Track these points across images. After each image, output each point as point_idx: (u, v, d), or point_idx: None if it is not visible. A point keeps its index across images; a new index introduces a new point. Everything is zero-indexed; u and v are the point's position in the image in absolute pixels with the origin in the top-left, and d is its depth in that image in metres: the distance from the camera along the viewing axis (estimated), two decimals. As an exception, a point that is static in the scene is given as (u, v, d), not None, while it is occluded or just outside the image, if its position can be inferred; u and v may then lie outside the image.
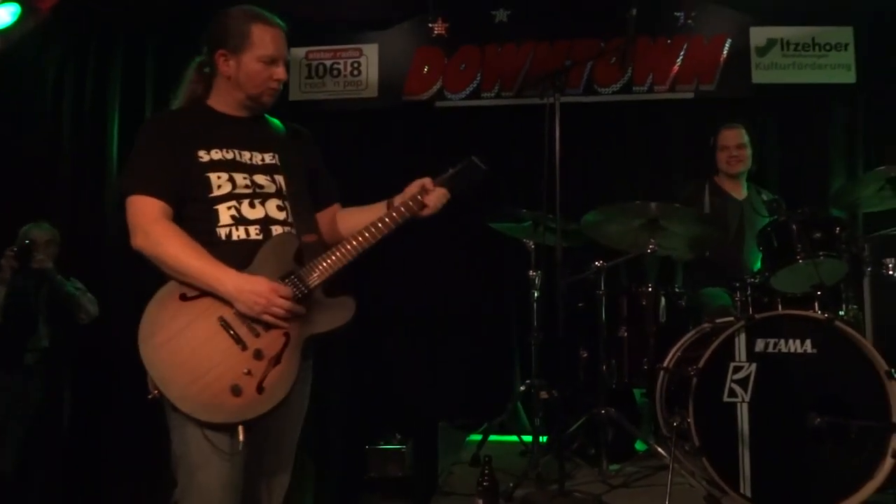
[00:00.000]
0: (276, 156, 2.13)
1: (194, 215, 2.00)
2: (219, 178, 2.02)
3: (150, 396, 1.88)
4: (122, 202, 2.00)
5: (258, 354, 1.90)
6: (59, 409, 4.16)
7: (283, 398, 1.92)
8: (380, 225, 2.07)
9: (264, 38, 2.05)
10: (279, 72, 2.09)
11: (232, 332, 1.90)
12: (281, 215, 2.07)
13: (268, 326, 1.92)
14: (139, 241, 1.94)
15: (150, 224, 1.94)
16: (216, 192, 2.01)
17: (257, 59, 2.05)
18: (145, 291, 1.97)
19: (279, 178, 2.11)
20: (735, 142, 3.86)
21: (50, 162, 4.78)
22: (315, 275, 2.01)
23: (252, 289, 1.89)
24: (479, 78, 4.81)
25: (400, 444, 3.35)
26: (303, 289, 1.98)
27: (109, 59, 4.92)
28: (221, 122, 2.10)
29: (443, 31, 4.85)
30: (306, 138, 2.28)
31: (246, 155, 2.09)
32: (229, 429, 1.87)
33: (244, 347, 1.90)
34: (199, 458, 1.87)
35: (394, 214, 2.10)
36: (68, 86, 4.88)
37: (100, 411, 4.41)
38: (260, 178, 2.08)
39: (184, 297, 1.92)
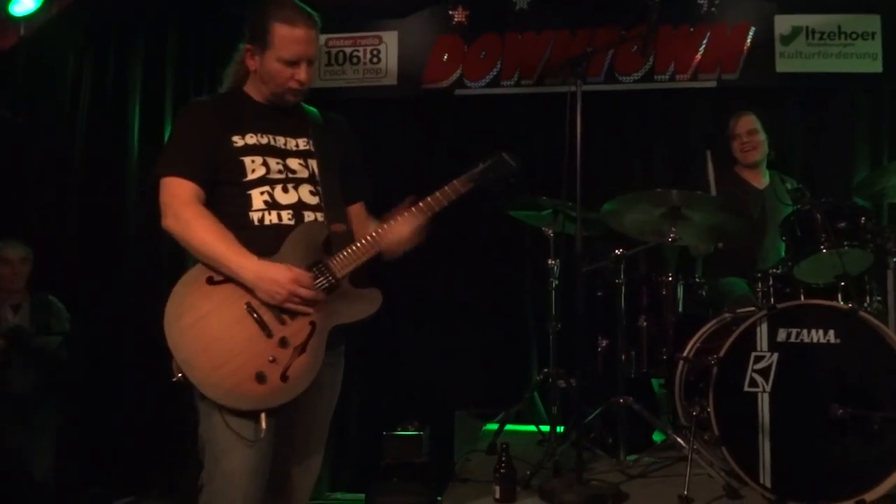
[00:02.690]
0: (311, 141, 2.14)
1: (227, 199, 2.01)
2: (253, 161, 2.03)
3: (174, 379, 1.89)
4: (155, 184, 2.01)
5: (283, 342, 1.91)
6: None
7: (307, 387, 1.92)
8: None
9: (284, 40, 2.02)
10: (300, 73, 2.05)
11: (258, 318, 1.91)
12: (314, 200, 2.07)
13: (293, 315, 1.93)
14: (169, 222, 1.96)
15: (181, 206, 1.95)
16: (250, 176, 2.02)
17: (276, 60, 2.02)
18: (164, 283, 1.99)
19: (312, 163, 2.12)
20: (745, 128, 3.83)
21: (67, 151, 4.81)
22: (343, 264, 2.01)
23: (272, 277, 1.90)
24: (498, 66, 4.78)
25: (417, 431, 3.35)
26: (331, 278, 1.99)
27: (130, 48, 4.94)
28: (256, 109, 2.10)
29: (463, 19, 4.82)
30: (344, 128, 2.27)
31: (280, 140, 2.10)
32: (252, 416, 1.88)
33: (270, 335, 1.91)
34: (225, 444, 1.88)
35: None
36: (87, 73, 4.90)
37: (121, 399, 4.46)
38: (293, 163, 2.08)
39: (210, 281, 1.93)
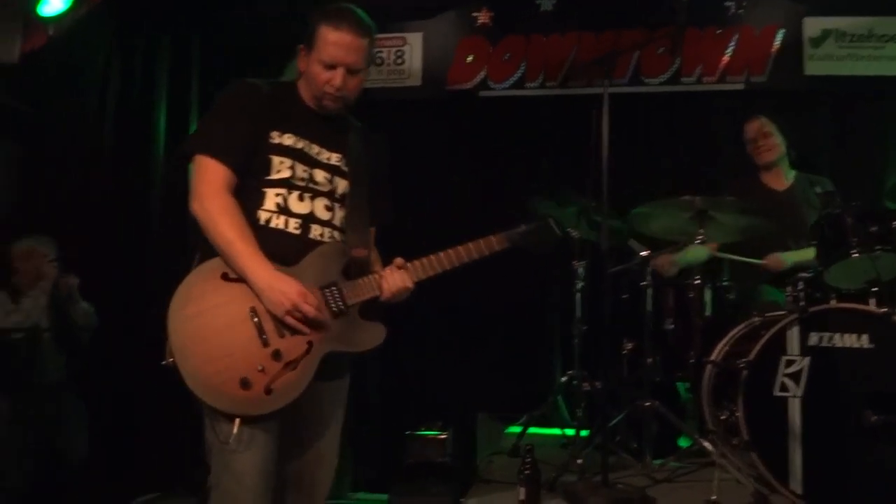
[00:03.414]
0: (345, 159, 2.12)
1: (241, 191, 1.99)
2: (281, 163, 2.01)
3: (163, 363, 1.89)
4: (188, 155, 2.00)
5: (277, 355, 1.89)
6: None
7: (289, 404, 1.90)
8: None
9: (327, 41, 2.00)
10: (335, 78, 2.01)
11: (258, 324, 1.90)
12: (326, 215, 2.06)
13: (294, 330, 1.91)
14: (195, 207, 1.95)
15: (211, 195, 1.93)
16: (273, 176, 2.00)
17: (318, 62, 2.01)
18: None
19: (339, 182, 2.10)
20: (754, 133, 3.80)
21: (94, 149, 4.86)
22: (356, 293, 2.00)
23: (281, 288, 1.88)
24: (523, 68, 4.76)
25: (441, 431, 3.34)
26: (341, 304, 1.97)
27: (157, 48, 4.98)
28: (302, 110, 2.09)
29: (487, 21, 4.82)
30: (380, 148, 2.25)
31: (315, 148, 2.08)
32: (229, 419, 1.86)
33: (265, 344, 1.89)
34: (235, 445, 1.86)
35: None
36: (115, 73, 4.95)
37: (144, 395, 4.49)
38: (319, 175, 2.07)
39: (225, 277, 1.92)
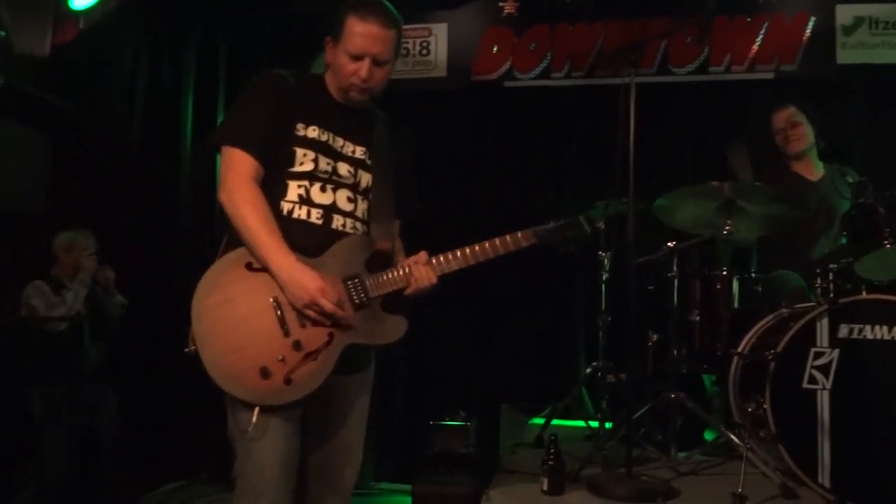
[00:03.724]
0: (369, 152, 2.12)
1: (266, 182, 2.00)
2: (304, 155, 2.02)
3: (186, 350, 1.91)
4: (216, 146, 2.02)
5: (297, 345, 1.90)
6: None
7: (308, 394, 1.91)
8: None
9: (354, 32, 2.00)
10: (361, 69, 2.01)
11: (280, 315, 1.91)
12: (349, 207, 2.07)
13: (315, 321, 1.92)
14: (223, 197, 1.96)
15: (238, 186, 1.95)
16: (296, 168, 2.01)
17: (344, 53, 2.01)
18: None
19: (363, 175, 2.11)
20: (786, 121, 3.73)
21: (123, 141, 4.92)
22: (379, 286, 2.01)
23: (302, 281, 1.89)
24: (549, 58, 4.73)
25: (464, 422, 3.34)
26: (363, 296, 1.98)
27: (185, 41, 5.03)
28: (329, 102, 2.09)
29: (513, 11, 4.79)
30: (406, 140, 2.26)
31: (339, 141, 2.09)
32: (249, 408, 1.88)
33: (287, 334, 1.90)
34: (254, 434, 1.88)
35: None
36: (143, 66, 5.00)
37: (172, 384, 4.55)
38: (343, 168, 2.07)
39: (249, 267, 1.94)
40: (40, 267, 4.04)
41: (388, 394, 4.57)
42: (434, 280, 2.04)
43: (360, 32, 1.99)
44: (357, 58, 2.00)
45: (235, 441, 1.94)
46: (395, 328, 2.03)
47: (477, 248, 2.07)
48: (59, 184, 4.68)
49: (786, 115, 3.76)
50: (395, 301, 2.05)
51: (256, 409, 1.87)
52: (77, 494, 3.90)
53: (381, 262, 2.05)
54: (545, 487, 2.70)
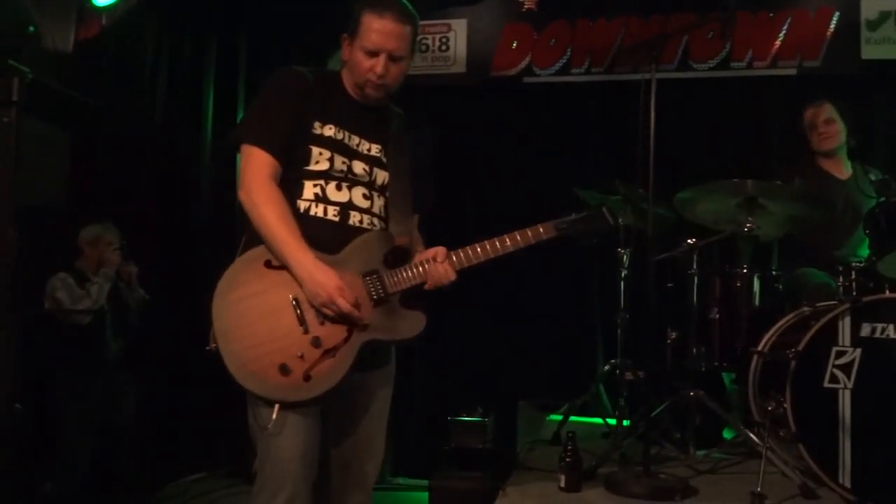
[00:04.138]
0: (384, 150, 2.12)
1: (282, 181, 2.00)
2: (320, 154, 2.02)
3: (207, 348, 1.93)
4: (235, 144, 2.03)
5: (316, 342, 1.91)
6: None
7: (328, 390, 1.92)
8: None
9: (370, 28, 2.00)
10: (377, 65, 2.00)
11: (299, 312, 1.92)
12: (364, 203, 2.07)
13: (334, 318, 1.93)
14: (242, 195, 1.98)
15: (257, 184, 1.96)
16: (312, 167, 2.02)
17: (360, 49, 2.01)
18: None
19: (378, 173, 2.11)
20: (821, 118, 3.68)
21: (145, 135, 4.96)
22: (397, 282, 2.00)
23: (320, 279, 1.90)
24: (568, 53, 4.71)
25: (482, 418, 3.34)
26: (381, 292, 1.98)
27: (205, 37, 5.06)
28: (345, 100, 2.10)
29: (533, 6, 4.77)
30: (423, 136, 2.26)
31: (355, 140, 2.09)
32: (269, 404, 1.89)
33: (305, 331, 1.91)
34: (274, 430, 1.90)
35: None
36: (164, 61, 5.04)
37: (193, 377, 4.59)
38: (358, 167, 2.08)
39: (268, 265, 1.95)
40: (62, 259, 4.09)
41: (405, 389, 4.55)
42: (453, 276, 2.03)
43: (377, 28, 2.00)
44: (373, 54, 2.00)
45: (256, 436, 1.96)
46: (413, 324, 2.03)
47: (497, 242, 2.05)
48: (79, 178, 4.73)
49: (820, 111, 3.70)
50: (413, 297, 2.05)
51: (276, 406, 1.88)
52: (98, 485, 3.95)
53: (399, 257, 2.05)
54: (562, 484, 2.70)
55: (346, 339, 1.94)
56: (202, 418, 4.55)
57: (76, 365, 3.93)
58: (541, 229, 2.08)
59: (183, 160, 4.94)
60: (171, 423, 4.52)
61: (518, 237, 2.06)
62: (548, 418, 3.95)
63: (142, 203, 4.80)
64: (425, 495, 3.25)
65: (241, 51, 5.03)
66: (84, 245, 4.09)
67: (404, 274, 2.02)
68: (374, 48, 2.00)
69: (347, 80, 2.11)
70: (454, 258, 2.04)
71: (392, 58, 2.02)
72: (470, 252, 2.04)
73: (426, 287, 2.03)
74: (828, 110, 3.70)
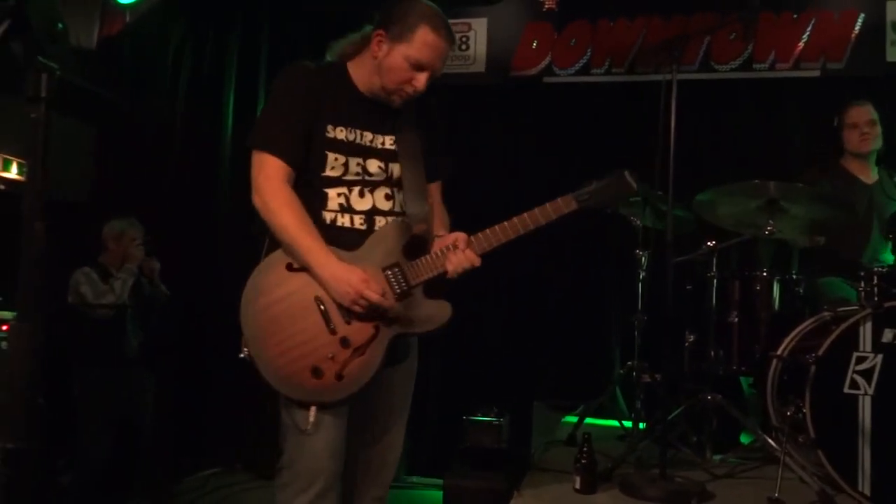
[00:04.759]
0: (396, 140, 2.08)
1: (305, 191, 1.99)
2: (336, 159, 2.01)
3: (241, 355, 1.93)
4: (248, 150, 2.03)
5: (345, 342, 1.91)
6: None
7: (361, 388, 1.93)
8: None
9: (425, 42, 1.96)
10: (419, 80, 1.98)
11: (325, 313, 1.92)
12: (388, 205, 2.06)
13: (359, 316, 1.92)
14: (257, 201, 1.97)
15: (271, 190, 1.95)
16: (328, 172, 2.01)
17: (405, 57, 1.97)
18: (254, 260, 2.01)
19: (393, 167, 2.09)
20: (865, 118, 3.61)
21: (166, 131, 5.00)
22: (418, 272, 1.98)
23: (345, 278, 1.89)
24: (589, 53, 4.69)
25: (497, 417, 3.34)
26: (404, 285, 1.96)
27: (227, 35, 5.10)
28: (355, 97, 2.06)
29: (553, 6, 4.76)
30: (431, 108, 2.18)
31: (367, 136, 2.06)
32: (304, 406, 1.91)
33: (333, 332, 1.91)
34: (311, 430, 1.91)
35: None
36: (186, 59, 5.08)
37: (210, 374, 4.62)
38: (373, 165, 2.06)
39: (290, 268, 1.95)
40: (85, 253, 4.13)
41: (421, 387, 4.56)
42: (477, 262, 1.97)
43: (432, 44, 1.96)
44: (420, 68, 1.97)
45: (288, 434, 1.97)
46: (439, 313, 1.99)
47: (517, 220, 1.98)
48: (103, 173, 4.79)
49: (865, 111, 3.63)
50: (436, 285, 2.02)
51: (313, 409, 1.90)
52: (116, 479, 3.99)
53: (419, 246, 2.02)
54: (577, 486, 2.69)
55: (374, 336, 1.94)
56: (219, 413, 4.58)
57: (97, 359, 3.97)
58: (560, 202, 2.00)
59: (204, 156, 4.97)
60: (188, 417, 4.56)
61: (538, 214, 1.99)
62: (563, 419, 3.94)
63: (164, 199, 4.85)
64: (440, 494, 3.25)
65: (263, 48, 5.06)
66: (108, 240, 4.13)
67: (425, 264, 1.98)
68: (425, 63, 1.97)
69: (358, 75, 2.07)
70: (474, 242, 1.99)
71: (432, 74, 2.00)
72: (490, 234, 1.98)
73: (448, 275, 1.99)
74: (871, 111, 3.64)
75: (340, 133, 2.02)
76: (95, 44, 4.84)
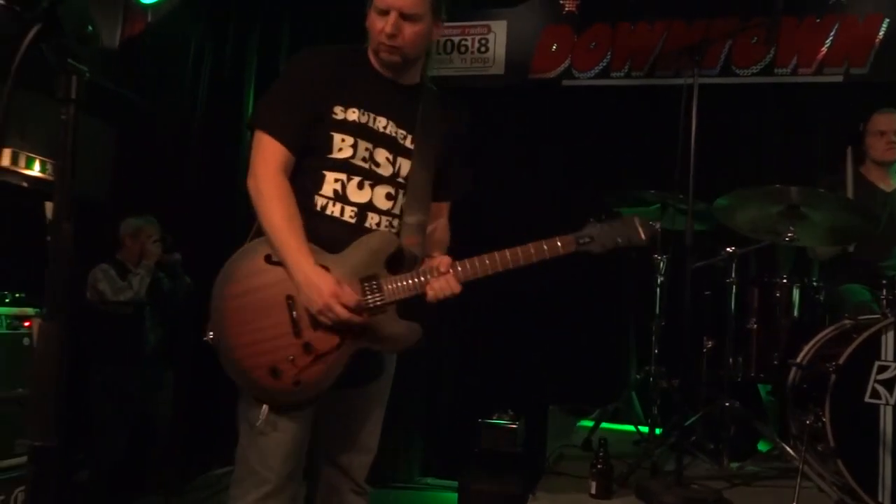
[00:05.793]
0: (413, 138, 2.01)
1: (303, 171, 1.94)
2: (343, 140, 1.93)
3: (205, 338, 1.91)
4: (249, 127, 1.98)
5: (308, 347, 1.85)
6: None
7: (316, 395, 1.89)
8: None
9: None
10: (387, 23, 1.88)
11: (294, 314, 1.85)
12: (386, 204, 1.98)
13: (327, 324, 1.85)
14: (250, 183, 1.92)
15: (267, 176, 1.89)
16: (334, 154, 1.93)
17: (373, 10, 1.92)
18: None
19: (402, 163, 1.99)
20: (892, 126, 3.57)
21: (187, 129, 5.04)
22: (397, 291, 1.88)
23: (318, 286, 1.81)
24: (608, 57, 4.68)
25: (513, 421, 3.33)
26: (378, 301, 1.87)
27: (247, 34, 5.13)
28: (370, 76, 2.00)
29: (573, 9, 4.75)
30: (459, 114, 2.11)
31: (381, 121, 1.96)
32: (258, 403, 1.87)
33: (298, 334, 1.85)
34: (263, 429, 1.88)
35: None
36: (207, 58, 5.12)
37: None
38: (381, 155, 1.97)
39: (268, 260, 1.89)
40: (103, 250, 4.17)
41: (436, 390, 4.59)
42: (457, 289, 1.88)
43: None
44: (384, 13, 1.89)
45: (241, 427, 1.94)
46: (408, 335, 1.93)
47: (508, 254, 1.88)
48: (122, 172, 4.83)
49: (893, 119, 3.58)
50: (415, 305, 1.95)
51: (265, 407, 1.86)
52: (131, 474, 4.02)
53: (404, 261, 1.94)
54: (593, 491, 2.68)
55: (338, 346, 1.86)
56: (232, 412, 4.59)
57: (115, 355, 4.01)
58: (559, 242, 1.90)
59: (223, 156, 5.00)
60: (203, 415, 4.58)
61: (532, 251, 1.89)
62: (578, 424, 3.93)
63: (183, 197, 4.88)
64: (454, 496, 3.25)
65: (283, 45, 5.08)
66: (125, 237, 4.17)
67: (405, 282, 1.89)
68: (383, 6, 1.89)
69: (373, 55, 1.99)
70: (459, 269, 1.89)
71: (403, 16, 1.89)
72: (477, 263, 1.89)
73: (428, 298, 1.90)
74: None
75: (351, 115, 1.93)
76: (118, 43, 4.89)
